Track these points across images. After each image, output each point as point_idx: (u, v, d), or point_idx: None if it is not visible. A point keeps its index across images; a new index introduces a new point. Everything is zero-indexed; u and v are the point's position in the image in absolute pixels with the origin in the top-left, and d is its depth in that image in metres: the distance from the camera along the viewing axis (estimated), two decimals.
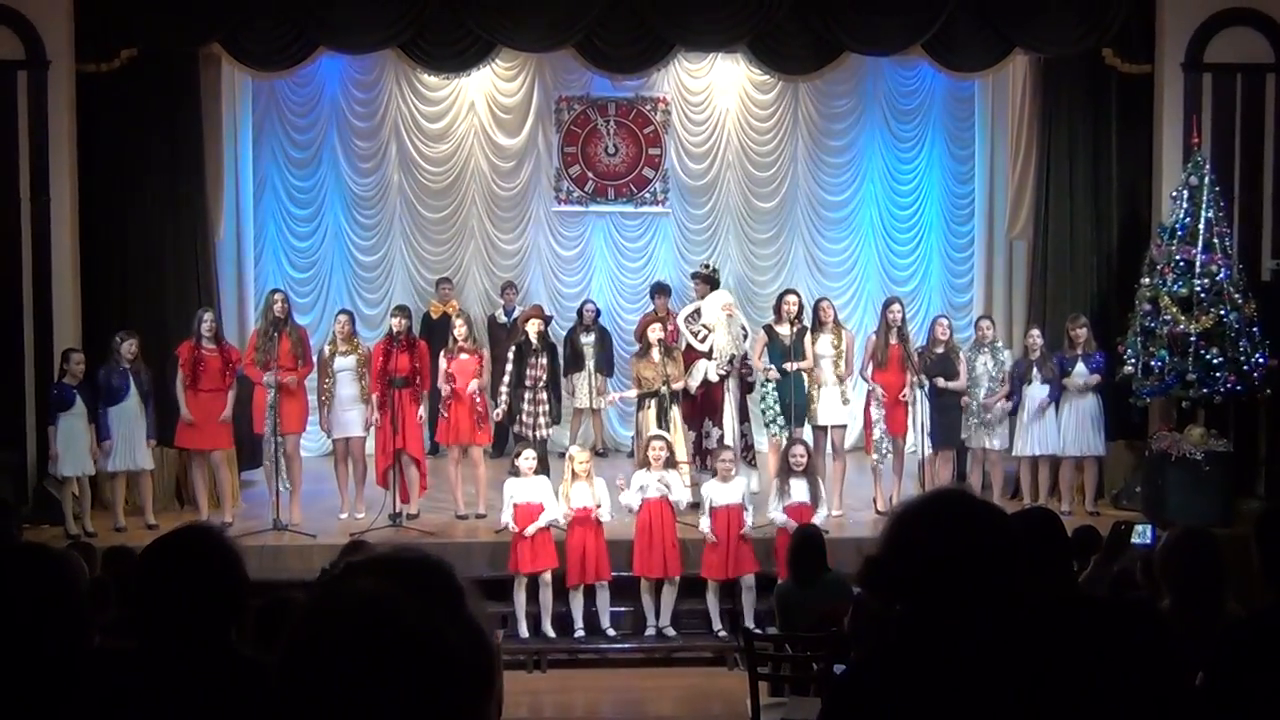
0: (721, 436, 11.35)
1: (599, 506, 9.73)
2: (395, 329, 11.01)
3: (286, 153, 14.22)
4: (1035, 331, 11.46)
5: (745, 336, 11.63)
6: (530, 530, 9.63)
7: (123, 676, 2.73)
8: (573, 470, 9.80)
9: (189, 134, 11.92)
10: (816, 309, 11.52)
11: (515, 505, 9.72)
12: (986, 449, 11.33)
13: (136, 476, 10.93)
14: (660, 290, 13.47)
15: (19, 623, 2.66)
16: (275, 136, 14.14)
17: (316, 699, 1.56)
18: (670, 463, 10.08)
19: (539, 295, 14.11)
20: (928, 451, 11.03)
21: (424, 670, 1.57)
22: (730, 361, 11.34)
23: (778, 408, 11.07)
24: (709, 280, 12.32)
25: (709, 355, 11.36)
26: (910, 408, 11.18)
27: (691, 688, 9.41)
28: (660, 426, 10.82)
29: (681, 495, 9.91)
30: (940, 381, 11.03)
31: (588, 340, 13.55)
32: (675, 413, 11.03)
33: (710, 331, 11.44)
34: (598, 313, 13.85)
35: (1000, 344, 11.59)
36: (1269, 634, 3.48)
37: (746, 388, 11.66)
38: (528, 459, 9.88)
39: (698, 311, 11.81)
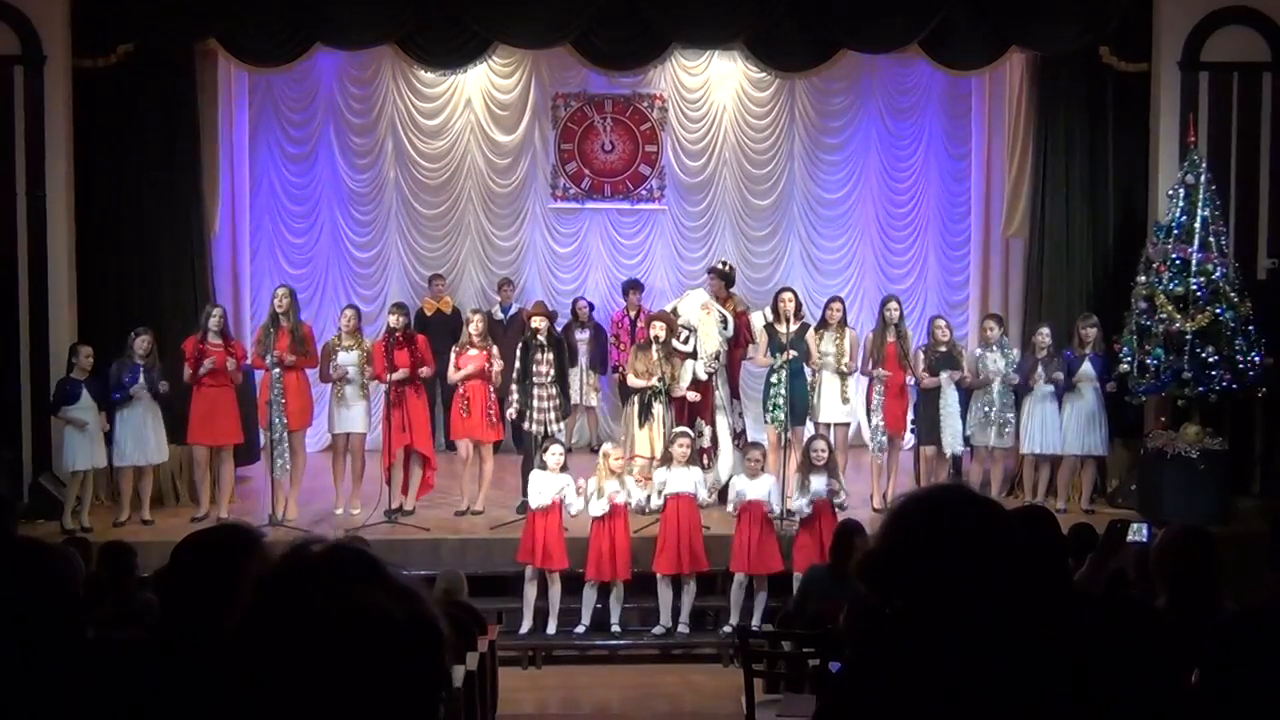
0: (715, 434, 11.36)
1: (629, 503, 9.81)
2: (394, 325, 11.03)
3: (283, 148, 14.20)
4: (1045, 330, 11.43)
5: (726, 324, 11.62)
6: (554, 497, 9.66)
7: (128, 667, 2.74)
8: (609, 467, 9.82)
9: (185, 129, 11.92)
10: (827, 308, 11.52)
11: (537, 500, 9.75)
12: (990, 446, 11.34)
13: (144, 471, 10.93)
14: (633, 286, 13.53)
15: (14, 617, 2.65)
16: (272, 132, 14.13)
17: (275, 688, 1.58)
18: (694, 458, 10.09)
19: (535, 292, 14.11)
20: (951, 451, 11.09)
21: (375, 645, 1.59)
22: (716, 358, 11.35)
23: (782, 401, 11.07)
24: (725, 277, 12.36)
25: (693, 355, 11.35)
26: (911, 405, 11.25)
27: (690, 684, 9.43)
28: (641, 425, 10.85)
29: (698, 492, 9.97)
30: (947, 380, 11.06)
31: (582, 337, 13.57)
32: (659, 410, 11.00)
33: (691, 332, 11.44)
34: (591, 308, 13.87)
35: (1007, 340, 11.58)
36: (1264, 631, 3.49)
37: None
38: (555, 454, 9.88)
39: (674, 311, 11.80)
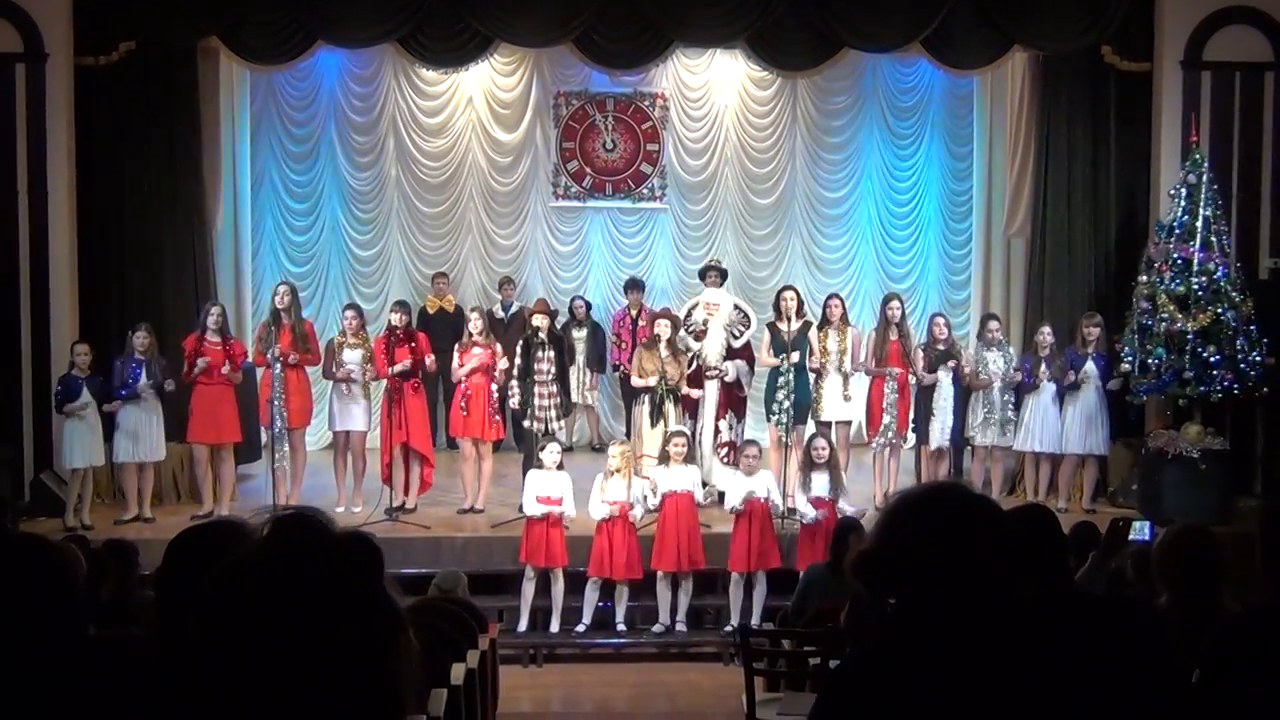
0: (699, 430, 11.36)
1: (633, 506, 9.72)
2: (395, 323, 11.04)
3: (284, 147, 14.21)
4: (1046, 329, 11.41)
5: (748, 323, 11.56)
6: (546, 510, 9.63)
7: (129, 665, 2.74)
8: (610, 468, 9.80)
9: (187, 128, 11.93)
10: (826, 305, 11.52)
11: (536, 498, 9.74)
12: (991, 445, 11.33)
13: (145, 468, 10.92)
14: (634, 285, 13.54)
15: (15, 613, 2.65)
16: (273, 130, 14.13)
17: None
18: (690, 458, 10.08)
19: (537, 291, 14.10)
20: (938, 445, 11.07)
21: (320, 549, 1.88)
22: (724, 352, 11.35)
23: (787, 402, 11.04)
24: (723, 274, 12.39)
25: (699, 340, 11.36)
26: (913, 403, 11.25)
27: (690, 683, 9.42)
28: (654, 424, 10.84)
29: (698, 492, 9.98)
30: (944, 373, 11.06)
31: (579, 335, 13.58)
32: (669, 409, 11.02)
33: (704, 329, 11.44)
34: (588, 307, 13.87)
35: (1005, 341, 11.57)
36: (1265, 631, 3.48)
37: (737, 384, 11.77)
38: (552, 453, 9.89)
39: (692, 309, 11.80)
